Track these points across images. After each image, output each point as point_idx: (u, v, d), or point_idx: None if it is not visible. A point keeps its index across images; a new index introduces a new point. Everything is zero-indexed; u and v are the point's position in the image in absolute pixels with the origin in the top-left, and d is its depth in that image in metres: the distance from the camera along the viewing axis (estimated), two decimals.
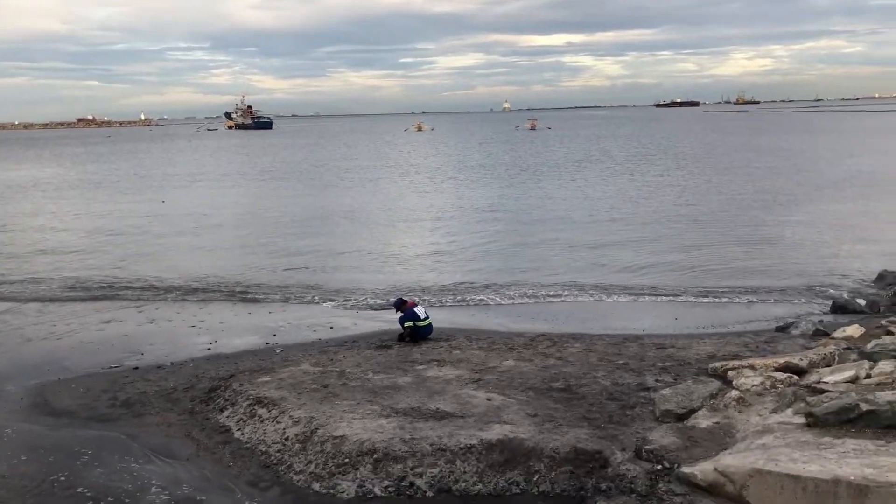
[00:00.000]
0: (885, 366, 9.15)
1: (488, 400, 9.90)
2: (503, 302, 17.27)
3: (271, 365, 12.03)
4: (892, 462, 6.82)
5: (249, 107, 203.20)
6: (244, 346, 13.81)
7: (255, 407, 10.02)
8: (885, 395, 8.02)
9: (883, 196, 33.91)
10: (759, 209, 30.81)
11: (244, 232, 29.11)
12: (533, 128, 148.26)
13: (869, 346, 10.71)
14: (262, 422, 9.64)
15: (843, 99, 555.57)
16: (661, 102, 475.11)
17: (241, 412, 10.04)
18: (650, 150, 76.73)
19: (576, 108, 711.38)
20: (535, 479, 8.14)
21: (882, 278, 17.71)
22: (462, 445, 8.48)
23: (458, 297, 17.65)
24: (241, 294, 18.36)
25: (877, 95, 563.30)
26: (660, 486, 7.76)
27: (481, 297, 17.70)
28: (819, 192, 36.18)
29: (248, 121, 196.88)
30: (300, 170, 62.75)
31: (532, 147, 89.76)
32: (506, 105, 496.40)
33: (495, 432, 8.73)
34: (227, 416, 10.10)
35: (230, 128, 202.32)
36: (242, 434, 9.56)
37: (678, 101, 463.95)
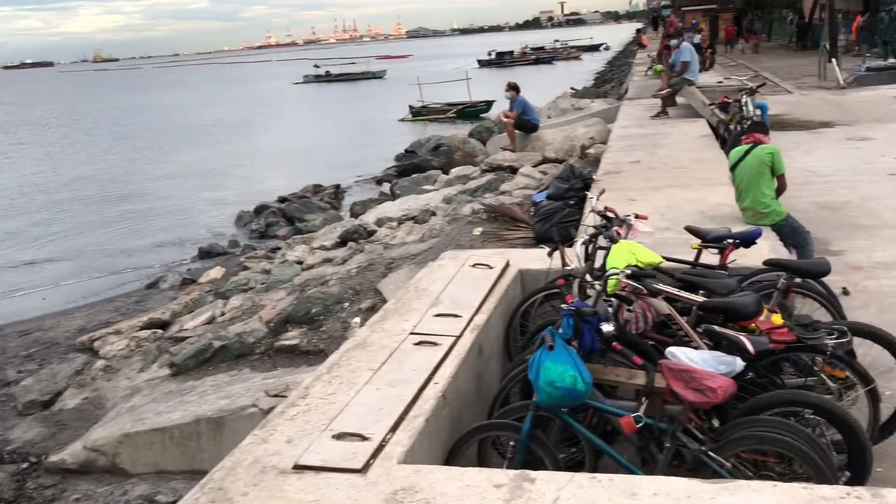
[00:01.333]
0: (235, 301, 9.99)
1: None
2: None
3: None
4: (242, 387, 7.50)
5: None
6: None
7: None
8: (235, 328, 8.76)
9: (236, 139, 37.03)
10: (131, 169, 30.54)
11: None
12: None
13: (226, 285, 11.59)
14: None
15: (198, 53, 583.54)
16: (10, 64, 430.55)
17: None
18: (5, 117, 69.07)
19: None
20: None
21: (240, 218, 19.36)
22: None
23: None
24: None
25: (226, 48, 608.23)
26: (28, 484, 7.16)
27: None
28: (186, 143, 37.54)
29: None
30: None
31: None
32: None
33: None
34: None
35: None
36: None
37: (29, 61, 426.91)
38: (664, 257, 4.91)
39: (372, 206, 15.43)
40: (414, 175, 19.86)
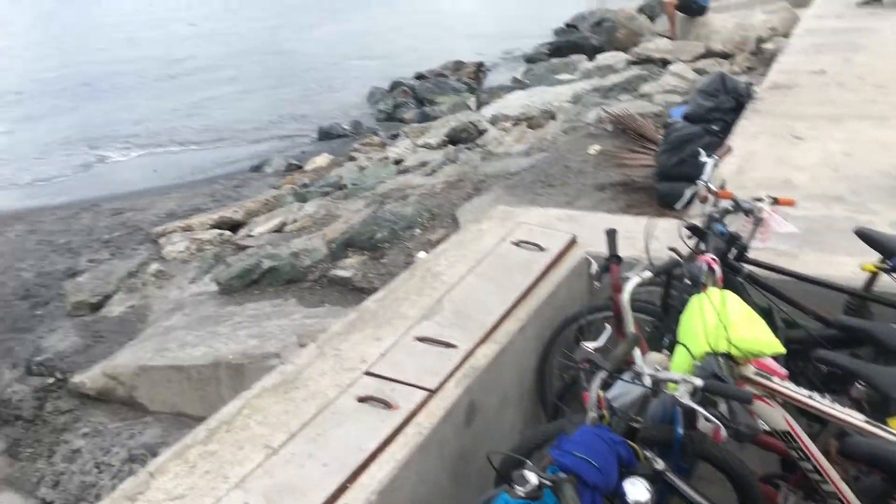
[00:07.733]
0: (311, 207, 8.78)
1: None
2: None
3: None
4: (277, 326, 6.34)
5: None
6: None
7: None
8: (296, 244, 7.56)
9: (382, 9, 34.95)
10: (271, 31, 29.76)
11: None
12: None
13: (318, 182, 10.43)
14: None
15: None
16: None
17: None
18: None
19: None
20: None
21: (372, 95, 17.97)
22: None
23: None
24: None
25: None
26: (47, 405, 6.50)
27: None
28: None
29: None
30: None
31: None
32: None
33: None
34: None
35: None
36: None
37: None
38: (806, 279, 2.96)
39: (500, 94, 13.52)
40: (554, 60, 17.52)
